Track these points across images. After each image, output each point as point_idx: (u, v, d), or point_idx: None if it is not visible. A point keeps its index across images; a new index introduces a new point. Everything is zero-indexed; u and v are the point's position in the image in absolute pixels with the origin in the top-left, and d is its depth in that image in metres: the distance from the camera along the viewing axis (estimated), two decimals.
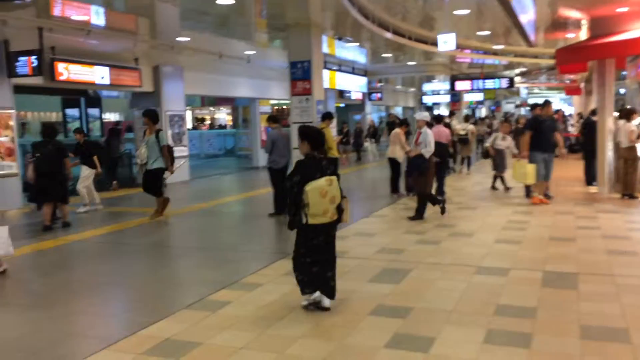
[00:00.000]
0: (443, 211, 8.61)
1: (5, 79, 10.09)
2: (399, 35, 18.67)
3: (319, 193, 4.25)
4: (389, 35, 18.12)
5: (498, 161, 11.14)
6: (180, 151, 14.39)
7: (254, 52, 16.90)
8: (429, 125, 8.79)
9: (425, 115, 8.80)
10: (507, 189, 11.10)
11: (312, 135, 4.50)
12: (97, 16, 11.70)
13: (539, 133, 9.24)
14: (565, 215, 8.50)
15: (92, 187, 9.98)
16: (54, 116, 23.34)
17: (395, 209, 9.57)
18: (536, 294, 4.85)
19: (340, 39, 19.74)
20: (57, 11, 10.79)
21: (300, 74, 10.23)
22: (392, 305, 4.64)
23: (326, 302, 4.50)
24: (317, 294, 4.53)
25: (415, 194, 8.72)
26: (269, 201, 9.28)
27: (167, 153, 8.78)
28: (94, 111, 22.42)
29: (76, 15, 11.22)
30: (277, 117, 9.64)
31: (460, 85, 22.45)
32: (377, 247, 6.78)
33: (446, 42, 15.04)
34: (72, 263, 6.67)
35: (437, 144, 10.80)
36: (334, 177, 4.40)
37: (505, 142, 11.10)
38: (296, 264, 4.55)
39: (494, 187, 11.37)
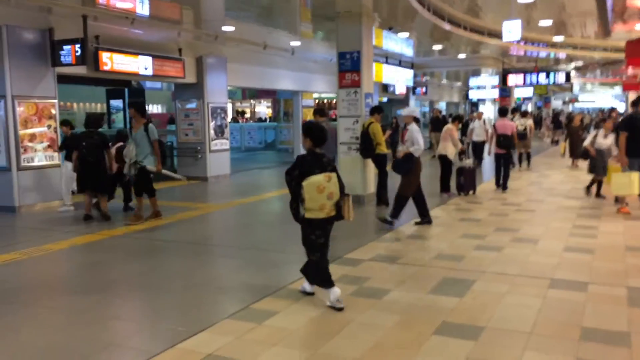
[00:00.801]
0: (426, 222, 7.79)
1: (49, 68, 9.92)
2: (454, 25, 17.86)
3: (316, 188, 4.32)
4: (446, 25, 17.32)
5: (598, 163, 9.62)
6: (221, 144, 14.13)
7: (298, 44, 16.46)
8: (417, 121, 7.97)
9: (411, 111, 8.08)
10: (600, 196, 9.81)
11: (314, 132, 4.56)
12: (141, 5, 11.46)
13: (635, 134, 8.05)
14: (637, 221, 7.76)
15: (68, 187, 9.40)
16: (98, 107, 23.58)
17: (447, 210, 8.99)
18: (625, 315, 4.24)
19: (390, 29, 19.02)
20: None
21: (349, 65, 9.64)
22: (459, 323, 4.11)
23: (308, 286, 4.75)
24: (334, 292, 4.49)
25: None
26: None
27: (158, 148, 8.12)
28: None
29: (121, 3, 11.00)
30: (325, 110, 9.18)
31: (513, 80, 21.17)
32: (433, 253, 6.24)
33: (511, 31, 14.19)
34: (107, 261, 6.32)
35: (503, 136, 10.61)
36: (333, 174, 4.45)
37: (607, 141, 9.52)
38: (311, 264, 4.65)
39: (599, 195, 9.77)
